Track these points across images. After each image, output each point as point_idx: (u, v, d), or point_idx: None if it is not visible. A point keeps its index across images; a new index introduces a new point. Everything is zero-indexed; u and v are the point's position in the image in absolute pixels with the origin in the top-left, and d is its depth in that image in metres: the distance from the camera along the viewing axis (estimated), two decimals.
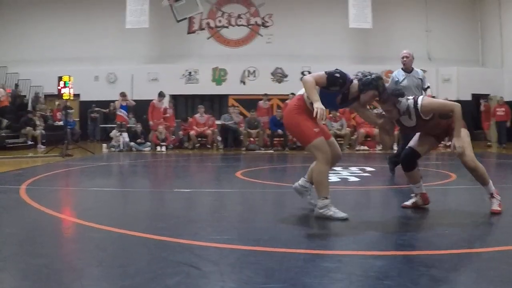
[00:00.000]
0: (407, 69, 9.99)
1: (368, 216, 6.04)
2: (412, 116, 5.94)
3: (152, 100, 20.18)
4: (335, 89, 5.71)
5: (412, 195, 6.42)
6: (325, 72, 5.72)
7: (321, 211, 5.70)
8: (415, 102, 5.91)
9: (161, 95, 20.15)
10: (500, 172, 12.10)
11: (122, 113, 19.81)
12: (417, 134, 6.26)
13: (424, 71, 10.46)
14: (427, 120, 5.92)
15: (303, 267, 3.82)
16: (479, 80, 26.21)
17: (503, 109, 21.31)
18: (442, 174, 10.75)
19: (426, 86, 9.85)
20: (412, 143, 6.26)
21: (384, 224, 5.63)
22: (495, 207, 5.84)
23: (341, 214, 5.63)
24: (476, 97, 25.89)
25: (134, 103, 20.84)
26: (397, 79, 9.97)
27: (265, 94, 22.17)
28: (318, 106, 5.33)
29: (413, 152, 6.16)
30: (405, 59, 9.98)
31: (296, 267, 3.81)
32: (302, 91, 5.93)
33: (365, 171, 11.18)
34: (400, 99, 5.93)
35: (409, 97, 6.04)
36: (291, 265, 3.87)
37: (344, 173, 10.57)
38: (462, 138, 5.80)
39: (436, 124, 5.94)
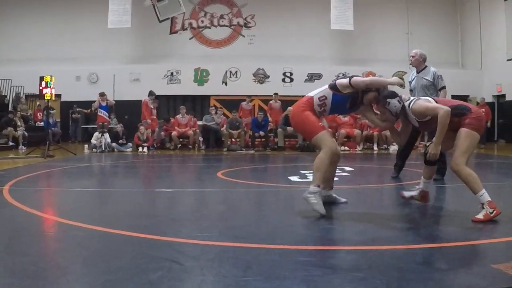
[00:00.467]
0: (417, 69, 9.71)
1: (342, 213, 6.20)
2: (409, 117, 6.13)
3: (136, 100, 20.29)
4: (349, 91, 6.10)
5: (416, 187, 6.60)
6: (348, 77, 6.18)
7: (308, 195, 5.92)
8: (408, 105, 6.08)
9: (151, 94, 20.24)
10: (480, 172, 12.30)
11: (102, 113, 19.84)
12: None
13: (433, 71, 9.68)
14: (427, 121, 6.01)
15: (278, 261, 3.97)
16: (459, 81, 26.42)
17: (483, 109, 21.43)
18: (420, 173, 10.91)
19: (440, 87, 9.43)
20: None
21: (357, 221, 5.80)
22: (479, 216, 5.55)
23: (320, 208, 5.84)
24: (456, 99, 26.16)
25: (113, 102, 20.92)
26: (409, 80, 9.93)
27: (248, 96, 22.32)
28: None
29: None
30: (411, 58, 9.75)
31: (272, 261, 3.97)
32: (313, 92, 6.33)
33: (344, 171, 11.33)
34: (389, 100, 6.07)
35: (406, 98, 6.22)
36: (267, 259, 4.02)
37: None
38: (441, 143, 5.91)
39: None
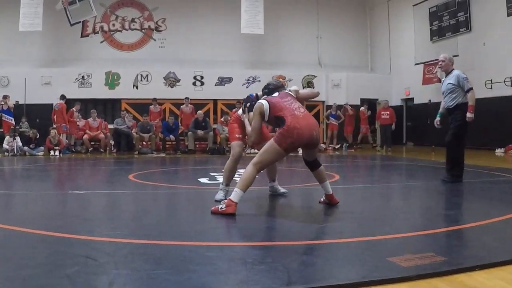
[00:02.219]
0: (445, 73, 9.71)
1: (248, 212, 6.53)
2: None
3: (48, 103, 20.25)
4: None
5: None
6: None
7: (219, 191, 7.32)
8: None
9: (63, 97, 20.37)
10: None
11: (7, 118, 19.64)
12: None
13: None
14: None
15: (188, 256, 4.23)
16: (369, 85, 27.25)
17: (387, 112, 22.15)
18: (328, 175, 11.32)
19: (467, 89, 9.26)
20: None
21: (263, 219, 6.23)
22: (218, 206, 6.11)
23: (219, 197, 7.14)
24: (366, 102, 26.99)
25: (12, 105, 20.69)
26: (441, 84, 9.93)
27: (154, 99, 22.44)
28: None
29: None
30: (441, 63, 9.74)
31: (181, 256, 4.23)
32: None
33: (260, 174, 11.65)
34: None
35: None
36: (177, 255, 4.29)
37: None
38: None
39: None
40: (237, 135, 7.52)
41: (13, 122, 19.95)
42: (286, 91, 6.75)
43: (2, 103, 19.86)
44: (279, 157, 6.51)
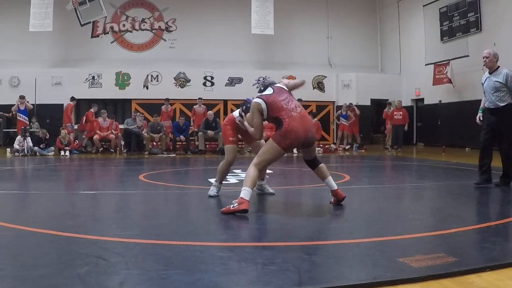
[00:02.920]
0: (490, 70, 8.99)
1: (258, 213, 6.57)
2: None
3: (58, 104, 20.30)
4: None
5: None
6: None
7: (212, 187, 7.91)
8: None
9: (72, 99, 20.52)
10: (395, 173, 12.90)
11: (22, 118, 19.74)
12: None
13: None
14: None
15: (199, 256, 4.25)
16: (379, 86, 27.19)
17: (400, 112, 22.07)
18: (338, 175, 11.31)
19: None
20: None
21: (273, 220, 6.22)
22: (229, 206, 6.22)
23: (213, 192, 7.78)
24: (375, 102, 26.94)
25: (31, 106, 20.81)
26: (482, 81, 9.17)
27: (167, 99, 22.42)
28: None
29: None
30: (485, 59, 8.94)
31: (192, 256, 4.24)
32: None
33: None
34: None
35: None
36: (188, 255, 4.30)
37: (243, 175, 11.04)
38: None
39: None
40: (230, 138, 7.82)
41: (27, 122, 20.07)
42: (279, 85, 6.91)
43: (19, 103, 19.95)
44: (279, 156, 6.67)
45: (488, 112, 9.11)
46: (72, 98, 21.04)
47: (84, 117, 21.53)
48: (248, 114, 7.13)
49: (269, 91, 6.75)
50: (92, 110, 21.34)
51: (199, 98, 22.00)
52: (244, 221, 5.85)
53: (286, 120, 6.39)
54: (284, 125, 6.39)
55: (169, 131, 21.05)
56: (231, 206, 6.14)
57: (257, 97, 6.75)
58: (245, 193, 6.20)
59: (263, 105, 6.57)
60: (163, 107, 22.16)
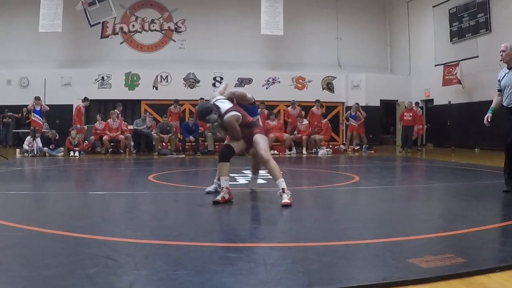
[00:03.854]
0: (508, 65, 8.25)
1: (268, 213, 6.60)
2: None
3: (67, 104, 20.40)
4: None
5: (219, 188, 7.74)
6: None
7: (213, 184, 8.24)
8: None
9: (86, 100, 20.61)
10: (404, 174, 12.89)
11: (36, 118, 19.82)
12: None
13: None
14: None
15: (208, 257, 4.25)
16: (388, 86, 27.15)
17: (410, 114, 21.95)
18: (348, 176, 11.32)
19: None
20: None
21: (283, 220, 6.23)
22: (285, 200, 6.83)
23: (210, 189, 8.15)
24: (385, 103, 26.88)
25: (47, 108, 20.87)
26: (499, 78, 8.41)
27: (176, 100, 22.37)
28: None
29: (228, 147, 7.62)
30: (501, 53, 8.18)
31: (202, 257, 4.25)
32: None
33: None
34: (207, 117, 7.47)
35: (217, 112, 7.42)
36: (197, 255, 4.30)
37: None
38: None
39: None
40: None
41: (41, 123, 20.15)
42: (222, 98, 7.71)
43: (34, 103, 20.03)
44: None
45: (509, 113, 8.25)
46: (85, 99, 20.99)
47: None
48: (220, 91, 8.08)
49: (227, 104, 7.47)
50: (116, 110, 21.28)
51: (200, 98, 21.85)
52: (253, 222, 5.87)
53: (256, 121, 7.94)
54: (259, 124, 8.04)
55: (178, 131, 21.07)
56: (287, 199, 6.81)
57: (232, 111, 7.38)
58: (282, 183, 7.03)
59: (239, 116, 7.42)
60: (171, 107, 22.10)
